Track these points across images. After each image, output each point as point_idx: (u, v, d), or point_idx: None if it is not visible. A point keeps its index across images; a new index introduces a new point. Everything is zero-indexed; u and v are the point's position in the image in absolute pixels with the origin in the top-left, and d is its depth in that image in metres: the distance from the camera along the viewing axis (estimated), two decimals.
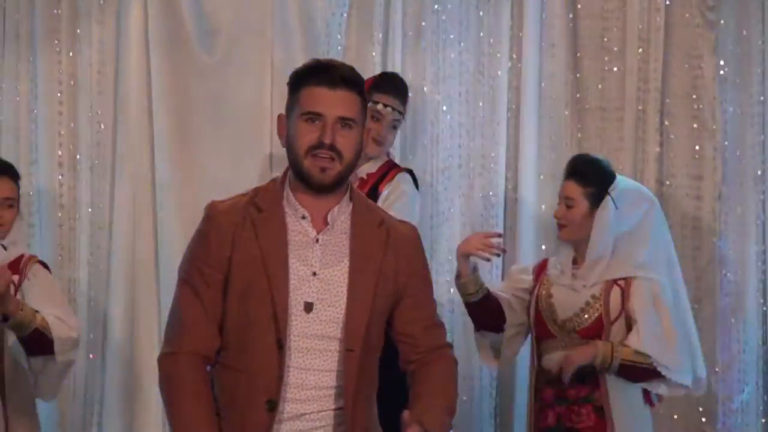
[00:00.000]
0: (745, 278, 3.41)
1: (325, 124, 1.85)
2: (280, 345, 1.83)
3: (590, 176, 2.86)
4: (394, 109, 3.15)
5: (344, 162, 1.87)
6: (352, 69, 1.94)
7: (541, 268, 2.95)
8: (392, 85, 3.22)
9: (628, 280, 2.80)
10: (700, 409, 3.34)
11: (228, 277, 1.88)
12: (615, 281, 2.81)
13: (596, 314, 2.79)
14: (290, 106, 1.91)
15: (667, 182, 3.46)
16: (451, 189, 3.58)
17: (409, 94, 3.36)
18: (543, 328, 2.83)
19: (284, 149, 1.94)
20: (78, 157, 3.52)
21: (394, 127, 3.22)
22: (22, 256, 2.92)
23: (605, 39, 3.51)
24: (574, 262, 2.88)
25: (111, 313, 3.49)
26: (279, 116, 1.97)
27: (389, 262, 1.93)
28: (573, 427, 2.76)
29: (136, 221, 3.52)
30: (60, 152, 3.51)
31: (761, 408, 3.39)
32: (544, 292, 2.86)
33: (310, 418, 1.87)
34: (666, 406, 3.34)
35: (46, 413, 3.25)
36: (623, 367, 2.70)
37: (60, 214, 3.53)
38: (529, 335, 2.93)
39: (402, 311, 1.96)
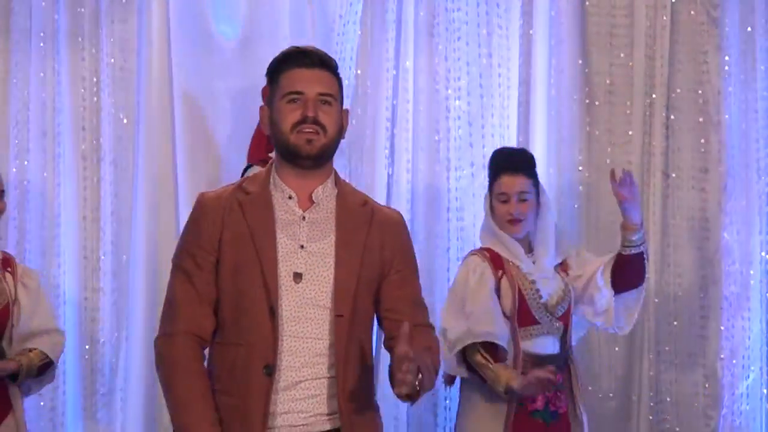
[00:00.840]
0: (750, 268, 3.50)
1: (306, 100, 1.96)
2: (273, 313, 1.91)
3: (532, 169, 2.98)
4: None
5: (328, 135, 1.98)
6: (324, 52, 2.06)
7: (495, 260, 2.91)
8: None
9: (564, 262, 2.99)
10: (706, 394, 3.44)
11: (219, 257, 1.97)
12: (560, 265, 2.98)
13: (568, 299, 2.93)
14: (271, 94, 2.02)
15: (673, 174, 3.55)
16: (463, 184, 3.68)
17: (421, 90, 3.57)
18: (527, 315, 2.88)
19: None
20: (101, 151, 3.60)
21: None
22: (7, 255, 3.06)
23: (613, 36, 3.61)
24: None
25: (133, 305, 3.57)
26: (261, 108, 2.08)
27: (374, 237, 2.02)
28: (556, 411, 2.86)
29: (158, 214, 3.61)
30: (83, 146, 3.60)
31: (765, 393, 3.48)
32: (524, 281, 2.89)
33: (306, 386, 1.94)
34: (672, 392, 3.45)
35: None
36: None
37: (83, 206, 3.61)
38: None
39: (388, 288, 2.03)
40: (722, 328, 3.46)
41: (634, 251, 2.89)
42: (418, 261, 3.49)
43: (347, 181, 2.24)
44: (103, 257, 3.61)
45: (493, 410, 2.84)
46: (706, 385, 3.44)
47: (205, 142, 3.64)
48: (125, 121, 3.62)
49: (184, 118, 3.60)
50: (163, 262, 3.57)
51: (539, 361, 2.83)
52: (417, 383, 1.81)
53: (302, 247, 1.97)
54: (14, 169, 3.53)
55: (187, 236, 2.04)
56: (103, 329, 3.58)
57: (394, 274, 2.04)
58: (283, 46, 3.55)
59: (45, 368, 2.97)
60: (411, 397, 1.84)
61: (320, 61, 2.01)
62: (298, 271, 1.95)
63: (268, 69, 2.05)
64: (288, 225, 1.98)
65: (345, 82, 3.45)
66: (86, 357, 3.59)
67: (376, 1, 3.64)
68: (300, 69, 1.99)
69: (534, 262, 2.93)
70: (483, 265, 2.88)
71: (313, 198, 2.01)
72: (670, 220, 3.51)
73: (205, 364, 2.02)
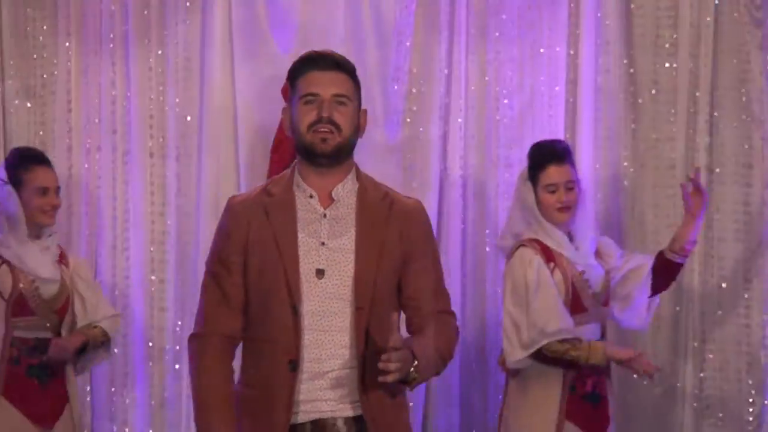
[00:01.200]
0: None
1: (322, 102, 2.06)
2: (295, 310, 2.01)
3: (573, 158, 3.12)
4: None
5: (343, 134, 2.07)
6: (342, 56, 2.15)
7: (545, 252, 3.01)
8: None
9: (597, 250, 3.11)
10: (750, 381, 3.57)
11: (246, 259, 2.07)
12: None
13: (608, 285, 3.07)
14: (291, 96, 2.13)
15: (717, 170, 3.68)
16: (512, 179, 3.81)
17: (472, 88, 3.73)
18: (578, 304, 3.00)
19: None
20: (166, 147, 3.77)
21: None
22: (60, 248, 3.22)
23: (658, 36, 3.73)
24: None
25: (197, 297, 3.73)
26: (283, 109, 2.20)
27: (393, 229, 2.09)
28: (600, 393, 2.99)
29: (220, 208, 3.76)
30: (150, 143, 3.77)
31: None
32: (574, 272, 3.00)
33: (330, 376, 2.03)
34: (716, 379, 3.59)
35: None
36: None
37: (150, 201, 3.78)
38: None
39: (408, 277, 2.11)
40: (765, 317, 3.57)
41: (679, 260, 3.03)
42: (467, 253, 3.67)
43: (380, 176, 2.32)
44: (168, 250, 3.78)
45: (546, 394, 2.96)
46: (750, 373, 3.56)
47: (265, 140, 3.77)
48: (189, 119, 3.78)
49: (245, 116, 3.76)
50: None
51: None
52: (413, 369, 1.95)
53: (323, 244, 2.06)
54: (86, 165, 3.72)
55: (217, 241, 2.16)
56: (168, 318, 3.76)
57: (415, 264, 2.11)
58: (338, 49, 3.79)
59: (103, 345, 3.19)
60: (406, 383, 1.99)
61: (335, 64, 2.10)
62: (320, 267, 2.05)
63: (288, 72, 2.15)
64: (309, 223, 2.08)
65: (399, 81, 3.76)
66: (150, 344, 3.77)
67: (430, 4, 3.79)
68: (316, 72, 2.08)
69: (577, 249, 3.04)
70: (536, 257, 2.97)
71: (333, 196, 2.10)
72: (714, 215, 3.63)
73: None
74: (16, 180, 3.04)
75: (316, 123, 2.05)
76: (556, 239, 3.01)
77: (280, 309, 2.03)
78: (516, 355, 2.89)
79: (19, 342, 3.00)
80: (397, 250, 2.09)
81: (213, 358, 2.08)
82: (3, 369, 2.97)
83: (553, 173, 3.01)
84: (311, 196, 2.10)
